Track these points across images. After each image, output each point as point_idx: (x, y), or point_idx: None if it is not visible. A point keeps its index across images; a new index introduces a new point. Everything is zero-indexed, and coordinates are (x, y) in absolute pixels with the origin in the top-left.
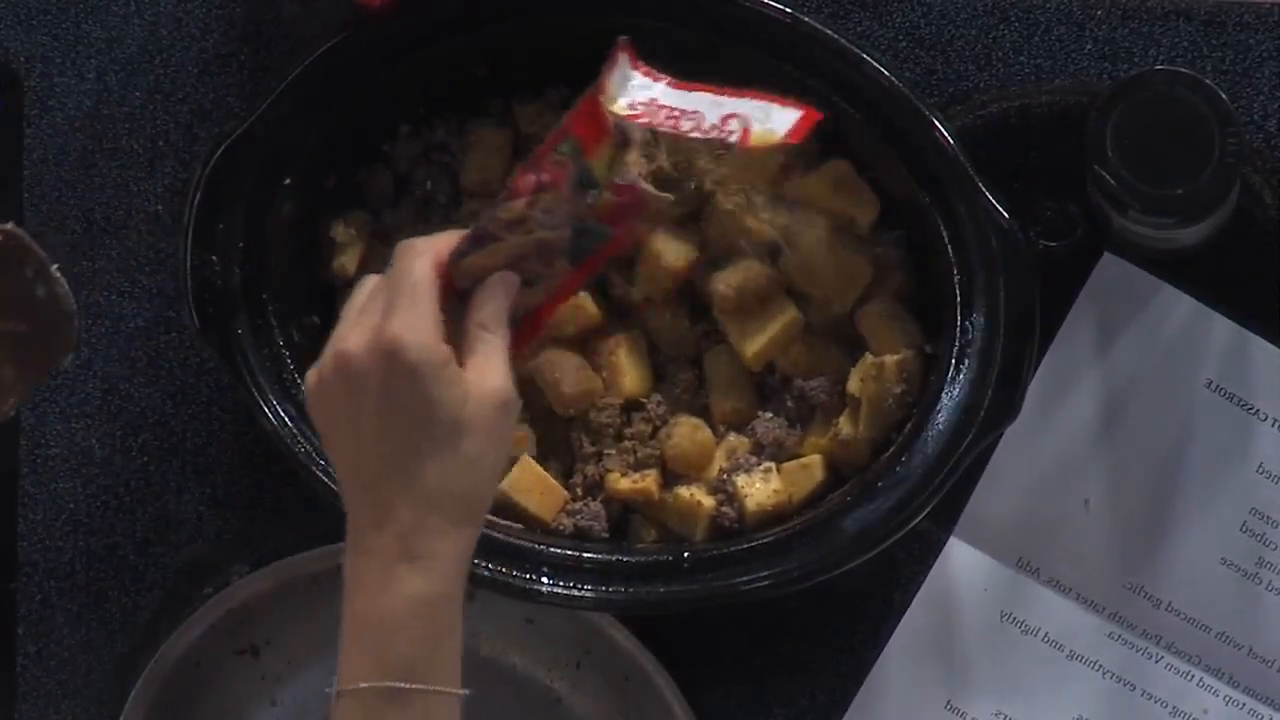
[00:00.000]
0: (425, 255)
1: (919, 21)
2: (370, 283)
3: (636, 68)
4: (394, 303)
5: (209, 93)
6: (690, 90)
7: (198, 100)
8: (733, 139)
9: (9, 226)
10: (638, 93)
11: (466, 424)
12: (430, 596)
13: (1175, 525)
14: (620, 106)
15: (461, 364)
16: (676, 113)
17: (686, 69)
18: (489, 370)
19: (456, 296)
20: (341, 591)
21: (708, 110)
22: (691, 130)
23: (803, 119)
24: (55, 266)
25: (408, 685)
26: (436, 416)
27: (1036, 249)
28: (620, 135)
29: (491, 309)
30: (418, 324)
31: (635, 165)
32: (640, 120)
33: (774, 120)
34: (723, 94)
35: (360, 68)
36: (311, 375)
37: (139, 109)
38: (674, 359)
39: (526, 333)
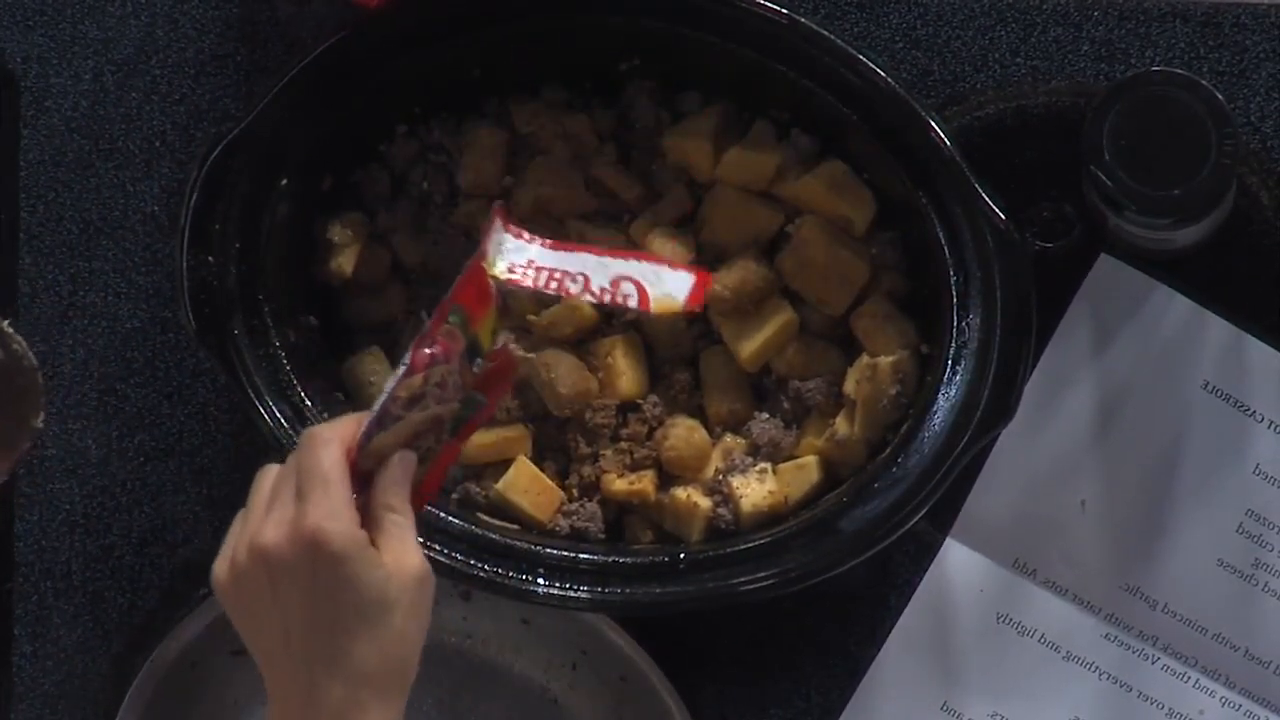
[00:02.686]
0: (333, 443)
1: (915, 23)
2: (272, 473)
3: (509, 230)
4: (308, 493)
5: (205, 93)
6: (569, 250)
7: (194, 101)
8: (631, 303)
9: None
10: (514, 255)
11: (392, 602)
12: None
13: (1171, 527)
14: (500, 270)
15: (374, 544)
16: (560, 274)
17: (682, 70)
18: (403, 550)
19: (358, 480)
20: None
21: (593, 272)
22: (580, 293)
23: (697, 283)
24: (7, 322)
25: None
26: (365, 599)
27: (1033, 250)
28: (502, 301)
29: (395, 490)
30: (335, 513)
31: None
32: (522, 284)
33: (668, 284)
34: (604, 254)
35: (357, 68)
36: (221, 567)
37: (135, 109)
38: (670, 360)
39: (413, 506)
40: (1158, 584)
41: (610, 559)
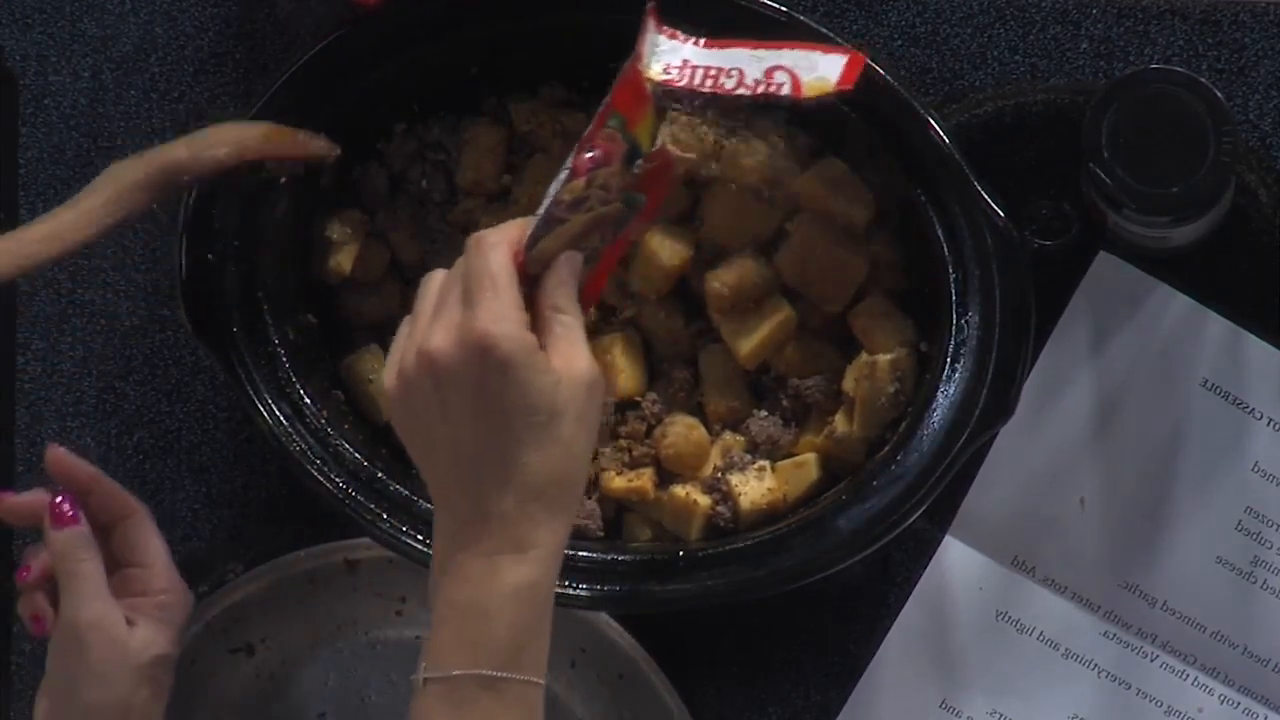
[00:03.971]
0: (500, 245)
1: (914, 20)
2: (438, 278)
3: (662, 31)
4: (476, 296)
5: (204, 91)
6: (724, 47)
7: (193, 99)
8: (784, 91)
9: None
10: (668, 56)
11: (561, 410)
12: (532, 585)
13: (1170, 524)
14: (655, 72)
15: (542, 349)
16: (715, 71)
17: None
18: (573, 354)
19: (525, 283)
20: (430, 580)
21: (747, 66)
22: (735, 87)
23: (850, 63)
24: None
25: (505, 674)
26: (533, 405)
27: (1032, 248)
28: (659, 102)
29: (563, 292)
30: (504, 315)
31: (662, 130)
32: (678, 84)
33: (821, 68)
34: (759, 47)
35: (355, 66)
36: (390, 378)
37: (134, 107)
38: (669, 358)
39: (582, 307)
40: (1157, 582)
41: (609, 557)
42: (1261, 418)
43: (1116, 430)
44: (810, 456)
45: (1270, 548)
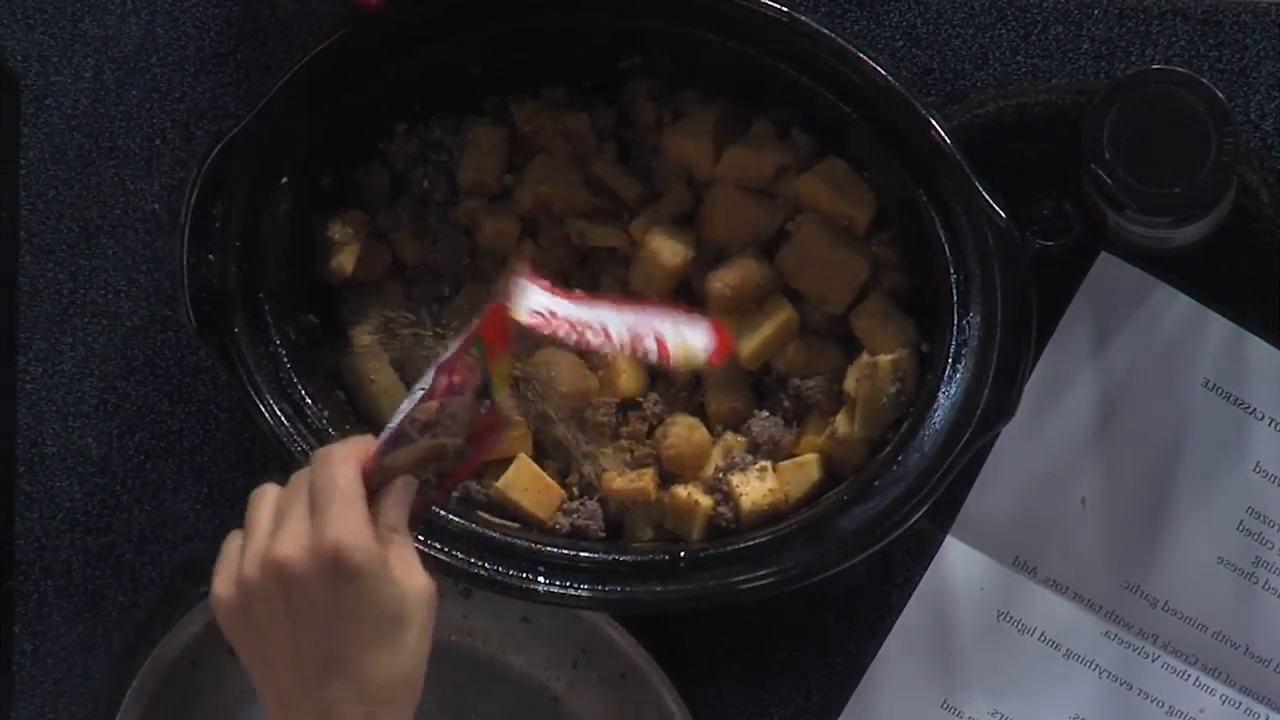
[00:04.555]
0: (349, 461)
1: (916, 21)
2: (270, 494)
3: (534, 282)
4: (326, 507)
5: (206, 91)
6: (591, 303)
7: (194, 99)
8: (651, 358)
9: None
10: (536, 303)
11: (408, 619)
12: None
13: (1172, 525)
14: (522, 316)
15: None
16: (581, 325)
17: (682, 68)
18: (413, 569)
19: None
20: None
21: (613, 324)
22: (600, 344)
23: (719, 339)
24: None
25: None
26: (382, 612)
27: (1033, 248)
28: (520, 344)
29: (397, 513)
30: (357, 528)
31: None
32: (544, 330)
33: (689, 338)
34: (623, 307)
35: (357, 66)
36: (224, 586)
37: (136, 107)
38: None
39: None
40: (1158, 582)
41: (611, 557)
42: (1263, 418)
43: (1118, 431)
44: (812, 457)
45: (1271, 548)
